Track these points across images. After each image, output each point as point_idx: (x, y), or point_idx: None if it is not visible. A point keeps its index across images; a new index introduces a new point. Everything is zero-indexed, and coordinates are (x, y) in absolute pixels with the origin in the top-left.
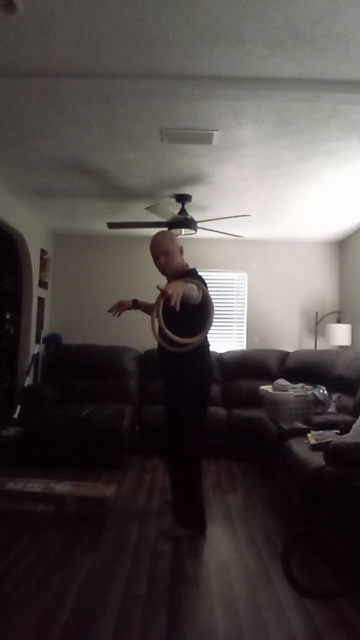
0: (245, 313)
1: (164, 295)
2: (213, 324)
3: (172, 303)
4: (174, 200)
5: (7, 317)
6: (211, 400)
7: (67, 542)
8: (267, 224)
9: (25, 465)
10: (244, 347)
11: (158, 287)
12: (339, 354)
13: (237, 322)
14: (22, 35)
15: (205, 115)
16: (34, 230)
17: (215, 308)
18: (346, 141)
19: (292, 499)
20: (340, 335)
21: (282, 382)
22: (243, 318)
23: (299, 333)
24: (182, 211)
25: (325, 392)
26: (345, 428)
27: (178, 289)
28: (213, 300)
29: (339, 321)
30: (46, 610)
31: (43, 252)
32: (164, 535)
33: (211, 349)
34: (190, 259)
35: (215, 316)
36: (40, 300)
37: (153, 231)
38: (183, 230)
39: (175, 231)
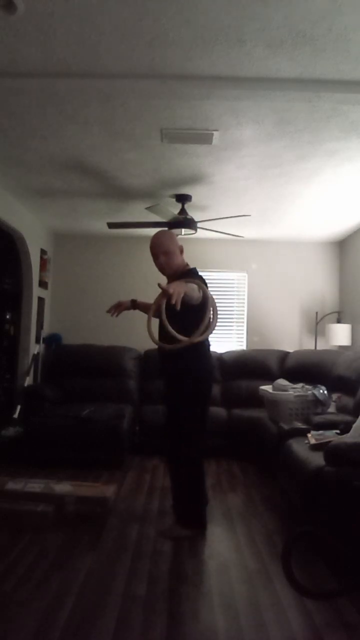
0: (245, 313)
1: (165, 295)
2: (217, 323)
3: (173, 302)
4: (174, 200)
5: (7, 317)
6: (211, 400)
7: (67, 542)
8: (267, 224)
9: (25, 465)
10: (244, 347)
11: (159, 286)
12: (339, 354)
13: (237, 322)
14: (22, 35)
15: (205, 115)
16: (34, 230)
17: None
18: (346, 141)
19: (292, 499)
20: (340, 335)
21: (282, 382)
22: (243, 318)
23: (299, 333)
24: (182, 211)
25: (325, 392)
26: (345, 428)
27: (179, 289)
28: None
29: (339, 321)
30: (46, 610)
31: (43, 252)
32: (164, 535)
33: (211, 349)
34: (190, 259)
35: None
36: (40, 300)
37: (153, 231)
38: (183, 230)
39: (175, 231)
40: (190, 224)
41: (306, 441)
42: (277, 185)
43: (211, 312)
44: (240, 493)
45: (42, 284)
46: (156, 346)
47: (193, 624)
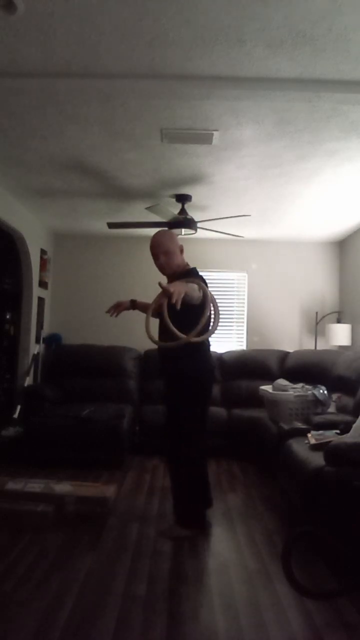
0: (245, 313)
1: (166, 294)
2: (219, 323)
3: (174, 301)
4: (174, 200)
5: (7, 317)
6: (211, 400)
7: (67, 542)
8: (267, 224)
9: (25, 465)
10: (244, 347)
11: (160, 285)
12: (339, 354)
13: (237, 322)
14: (22, 35)
15: (205, 115)
16: (34, 230)
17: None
18: (346, 141)
19: (292, 499)
20: (340, 335)
21: (282, 382)
22: (243, 318)
23: (299, 333)
24: (182, 211)
25: (325, 392)
26: (345, 428)
27: (180, 288)
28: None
29: (339, 321)
30: (46, 610)
31: (43, 252)
32: (164, 535)
33: (211, 349)
34: (190, 259)
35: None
36: (40, 300)
37: (153, 231)
38: (183, 230)
39: (175, 231)
40: (190, 224)
41: (306, 441)
42: (277, 185)
43: (211, 312)
44: (240, 493)
45: (42, 284)
46: (156, 346)
47: (193, 624)
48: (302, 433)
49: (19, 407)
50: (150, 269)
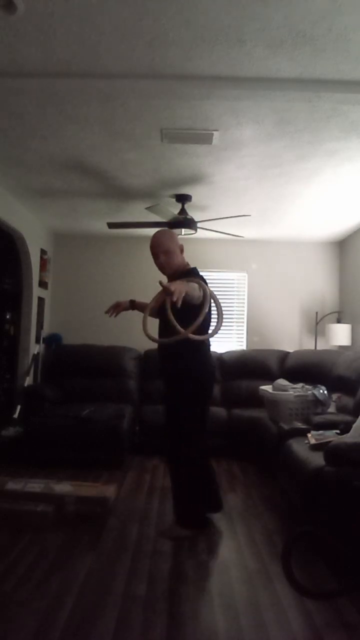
0: (245, 313)
1: (167, 292)
2: (223, 322)
3: (174, 300)
4: (174, 200)
5: (7, 317)
6: (212, 400)
7: (67, 542)
8: (267, 224)
9: (25, 465)
10: (244, 347)
11: (161, 284)
12: (339, 354)
13: (237, 322)
14: (22, 35)
15: (205, 115)
16: (34, 230)
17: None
18: (346, 141)
19: (292, 499)
20: (340, 335)
21: (282, 382)
22: (243, 318)
23: (299, 333)
24: (182, 211)
25: (325, 392)
26: (345, 428)
27: (181, 287)
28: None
29: (339, 321)
30: (46, 610)
31: (43, 252)
32: (164, 535)
33: (211, 348)
34: (190, 259)
35: (211, 315)
36: (40, 300)
37: (153, 231)
38: (183, 230)
39: (175, 231)
40: (190, 224)
41: (306, 441)
42: (277, 185)
43: (210, 310)
44: (240, 493)
45: (42, 284)
46: (156, 346)
47: (193, 624)
48: (302, 433)
49: (19, 407)
50: (150, 269)
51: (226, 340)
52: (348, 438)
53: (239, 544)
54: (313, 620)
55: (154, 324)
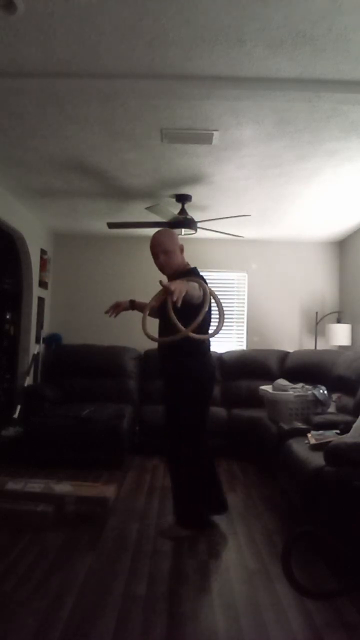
0: (245, 313)
1: (167, 291)
2: (224, 322)
3: (175, 299)
4: (174, 200)
5: (7, 317)
6: (212, 400)
7: (67, 542)
8: (267, 224)
9: (25, 465)
10: (244, 347)
11: (161, 283)
12: (339, 354)
13: (237, 322)
14: (22, 35)
15: (205, 115)
16: (34, 230)
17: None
18: (346, 141)
19: (292, 499)
20: (340, 335)
21: (282, 382)
22: (243, 318)
23: (299, 333)
24: (182, 211)
25: (325, 392)
26: (345, 428)
27: (181, 286)
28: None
29: (339, 321)
30: (46, 610)
31: (43, 252)
32: (164, 535)
33: (211, 348)
34: (190, 259)
35: (211, 315)
36: (40, 300)
37: (153, 231)
38: (183, 230)
39: (175, 231)
40: (190, 224)
41: (306, 441)
42: (277, 185)
43: (210, 310)
44: (240, 493)
45: (42, 284)
46: (156, 346)
47: (193, 624)
48: (302, 433)
49: (19, 407)
50: (151, 269)
51: (226, 340)
52: (348, 438)
53: (239, 544)
54: (313, 620)
55: (153, 324)
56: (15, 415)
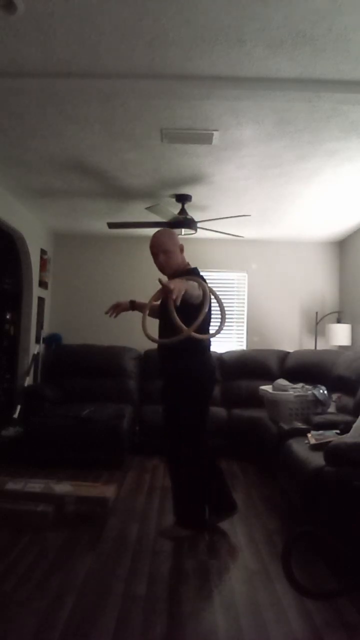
0: (245, 313)
1: (166, 290)
2: (225, 322)
3: (174, 297)
4: (174, 200)
5: (7, 317)
6: (212, 400)
7: (67, 542)
8: (267, 224)
9: (25, 465)
10: (244, 347)
11: (160, 281)
12: (339, 354)
13: (237, 322)
14: (22, 35)
15: (205, 115)
16: (34, 230)
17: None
18: (346, 141)
19: (292, 499)
20: (340, 335)
21: (282, 382)
22: (243, 318)
23: (299, 333)
24: (182, 211)
25: (325, 392)
26: (345, 428)
27: (180, 285)
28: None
29: (339, 321)
30: (46, 610)
31: (43, 252)
32: (164, 535)
33: (211, 348)
34: (190, 258)
35: (211, 314)
36: (40, 300)
37: (153, 231)
38: (183, 230)
39: (175, 231)
40: (190, 224)
41: (306, 441)
42: (277, 185)
43: (210, 310)
44: (240, 493)
45: (42, 284)
46: (156, 346)
47: (193, 624)
48: (302, 433)
49: (19, 407)
50: (150, 269)
51: (226, 340)
52: (348, 438)
53: (239, 544)
54: (313, 620)
55: (153, 324)
56: (15, 415)
